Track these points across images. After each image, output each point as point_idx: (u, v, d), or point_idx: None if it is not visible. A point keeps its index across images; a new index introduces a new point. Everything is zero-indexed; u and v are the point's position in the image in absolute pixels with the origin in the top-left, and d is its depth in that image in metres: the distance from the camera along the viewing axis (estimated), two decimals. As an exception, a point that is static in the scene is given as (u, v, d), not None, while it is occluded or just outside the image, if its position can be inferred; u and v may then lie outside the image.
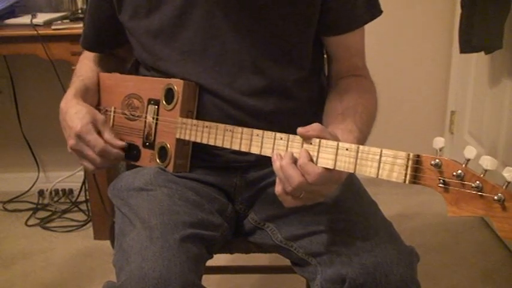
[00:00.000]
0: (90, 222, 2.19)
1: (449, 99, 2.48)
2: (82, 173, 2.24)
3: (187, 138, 1.02)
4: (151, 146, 1.09)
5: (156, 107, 1.07)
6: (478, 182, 0.68)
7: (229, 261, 1.62)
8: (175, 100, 1.03)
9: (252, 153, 0.92)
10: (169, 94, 1.05)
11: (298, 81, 1.06)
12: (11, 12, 2.05)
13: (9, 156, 2.49)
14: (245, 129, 0.92)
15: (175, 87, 1.03)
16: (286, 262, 1.05)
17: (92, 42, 1.20)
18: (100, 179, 1.97)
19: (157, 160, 1.07)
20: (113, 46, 1.22)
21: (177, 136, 1.03)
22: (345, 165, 0.79)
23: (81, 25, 1.86)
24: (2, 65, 2.31)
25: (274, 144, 0.88)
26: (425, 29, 2.39)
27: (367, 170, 0.77)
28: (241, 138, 0.92)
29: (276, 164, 0.84)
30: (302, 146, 0.84)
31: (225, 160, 1.06)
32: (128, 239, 0.92)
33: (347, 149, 0.79)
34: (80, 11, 2.02)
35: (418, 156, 0.72)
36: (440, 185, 0.71)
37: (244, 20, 1.01)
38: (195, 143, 1.04)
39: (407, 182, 0.73)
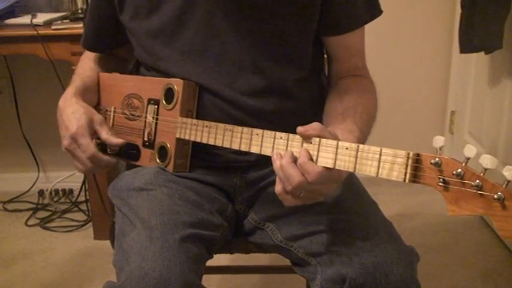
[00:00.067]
0: (90, 222, 2.19)
1: (449, 99, 2.48)
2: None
3: (187, 137, 1.02)
4: (151, 146, 1.09)
5: (156, 106, 1.07)
6: (478, 180, 0.68)
7: (229, 261, 1.62)
8: (175, 100, 1.03)
9: (252, 153, 0.92)
10: (169, 94, 1.05)
11: (298, 81, 1.06)
12: (11, 12, 2.05)
13: (9, 156, 2.49)
14: (245, 129, 0.92)
15: (175, 87, 1.03)
16: (286, 262, 1.05)
17: (92, 42, 1.20)
18: (100, 179, 1.97)
19: (157, 160, 1.07)
20: (113, 46, 1.22)
21: (177, 136, 1.03)
22: (344, 164, 0.79)
23: (81, 25, 1.87)
24: (2, 65, 2.31)
25: (274, 143, 0.88)
26: (425, 29, 2.39)
27: (367, 169, 0.77)
28: (241, 138, 0.92)
29: (276, 163, 0.84)
30: (302, 145, 0.84)
31: (225, 160, 1.06)
32: (128, 239, 0.92)
33: (347, 148, 0.79)
34: (80, 11, 2.02)
35: (418, 155, 0.72)
36: (440, 183, 0.71)
37: (244, 20, 1.01)
38: (195, 143, 1.04)
39: (407, 180, 0.73)
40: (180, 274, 0.85)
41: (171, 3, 1.02)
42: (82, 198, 2.35)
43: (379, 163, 0.75)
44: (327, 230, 0.95)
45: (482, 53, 1.95)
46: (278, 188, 0.85)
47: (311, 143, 0.83)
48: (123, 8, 1.08)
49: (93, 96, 1.16)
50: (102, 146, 1.08)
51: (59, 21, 1.96)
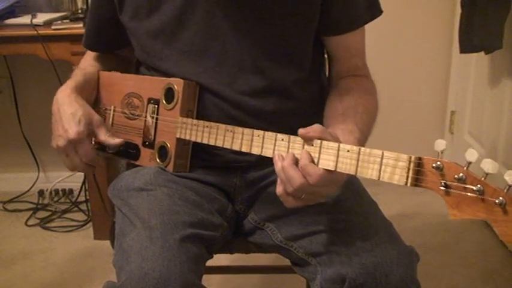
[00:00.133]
0: (90, 222, 2.19)
1: (449, 99, 2.48)
2: (82, 173, 2.24)
3: (187, 138, 1.02)
4: (151, 146, 1.09)
5: (156, 106, 1.07)
6: (479, 185, 0.67)
7: (229, 261, 1.62)
8: (175, 99, 1.03)
9: (252, 153, 0.92)
10: (169, 93, 1.05)
11: (298, 81, 1.05)
12: (11, 12, 2.04)
13: (9, 156, 2.49)
14: (246, 130, 0.92)
15: (176, 87, 1.03)
16: (286, 262, 1.05)
17: (92, 42, 1.21)
18: (100, 179, 1.95)
19: (157, 160, 1.07)
20: (113, 46, 1.22)
21: (178, 136, 1.03)
22: (346, 167, 0.79)
23: (81, 25, 1.87)
24: (2, 65, 2.31)
25: (275, 145, 0.88)
26: (425, 29, 2.39)
27: (368, 172, 0.77)
28: (242, 139, 0.92)
29: (278, 165, 0.84)
30: (303, 147, 0.84)
31: (225, 160, 1.06)
32: (128, 239, 0.92)
33: (348, 151, 0.79)
34: (80, 11, 2.02)
35: (420, 158, 0.72)
36: (442, 188, 0.71)
37: (244, 20, 1.01)
38: (195, 143, 1.04)
39: (408, 184, 0.73)
40: (180, 274, 0.85)
41: (171, 3, 1.02)
42: (82, 198, 2.34)
43: (380, 166, 0.75)
44: (327, 230, 0.95)
45: (482, 53, 1.95)
46: (279, 189, 0.85)
47: (312, 145, 0.83)
48: (123, 8, 1.08)
49: (92, 92, 1.16)
50: (101, 145, 1.08)
51: (59, 21, 1.96)
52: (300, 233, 0.98)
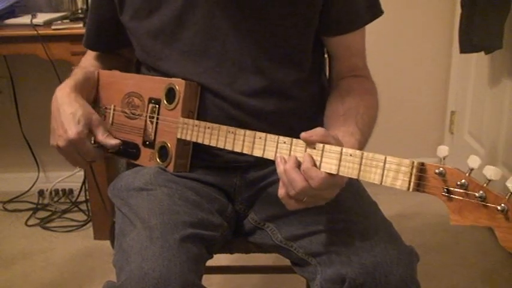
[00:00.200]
0: (90, 222, 2.19)
1: (449, 99, 2.48)
2: (82, 173, 2.24)
3: (188, 138, 1.02)
4: (151, 145, 1.09)
5: (157, 106, 1.07)
6: (481, 191, 0.68)
7: (229, 261, 1.62)
8: (176, 100, 1.03)
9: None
10: (170, 94, 1.04)
11: (298, 81, 1.05)
12: (11, 12, 2.04)
13: (9, 156, 2.49)
14: (247, 132, 0.92)
15: (177, 87, 1.03)
16: (286, 262, 1.05)
17: (93, 42, 1.21)
18: (100, 179, 1.97)
19: (158, 159, 1.07)
20: (113, 46, 1.22)
21: (179, 136, 1.03)
22: (348, 170, 0.79)
23: (81, 25, 1.87)
24: (2, 65, 2.31)
25: (277, 147, 0.88)
26: (425, 29, 2.39)
27: (370, 176, 0.77)
28: (243, 141, 0.92)
29: (280, 168, 0.84)
30: (305, 151, 0.84)
31: (225, 160, 1.06)
32: (128, 239, 0.92)
33: (351, 155, 0.79)
34: (80, 11, 2.02)
35: (423, 164, 0.72)
36: (444, 193, 0.71)
37: (244, 20, 1.01)
38: (195, 143, 1.04)
39: (411, 189, 0.73)
40: (180, 274, 0.85)
41: (171, 4, 1.02)
42: (82, 198, 2.35)
43: (383, 171, 0.75)
44: (327, 230, 0.95)
45: (482, 53, 1.95)
46: (281, 192, 0.85)
47: (315, 148, 0.83)
48: (123, 8, 1.08)
49: (92, 90, 1.16)
50: (100, 145, 1.09)
51: (59, 21, 1.96)
52: (300, 233, 0.98)
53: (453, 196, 0.70)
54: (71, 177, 2.32)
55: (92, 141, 1.08)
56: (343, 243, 0.91)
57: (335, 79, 1.10)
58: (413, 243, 0.95)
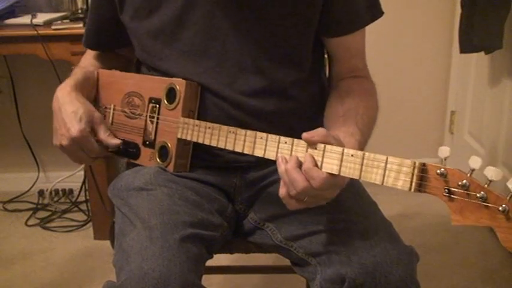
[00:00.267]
0: (90, 222, 2.19)
1: (449, 99, 2.48)
2: (82, 173, 2.24)
3: (188, 138, 1.02)
4: (151, 145, 1.09)
5: (157, 106, 1.07)
6: (482, 192, 0.68)
7: (229, 261, 1.62)
8: (177, 100, 1.03)
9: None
10: (171, 93, 1.04)
11: (298, 81, 1.05)
12: (11, 12, 2.04)
13: (9, 156, 2.49)
14: (248, 132, 0.92)
15: (178, 87, 1.03)
16: (286, 262, 1.05)
17: (92, 41, 1.21)
18: (100, 178, 1.97)
19: (158, 159, 1.07)
20: (113, 46, 1.22)
21: (179, 136, 1.03)
22: (349, 171, 0.79)
23: (81, 25, 1.87)
24: (2, 65, 2.31)
25: (278, 147, 0.88)
26: (425, 29, 2.39)
27: (372, 176, 0.77)
28: (244, 141, 0.92)
29: (281, 167, 0.84)
30: (307, 151, 0.84)
31: (225, 160, 1.06)
32: (128, 239, 0.92)
33: (352, 155, 0.79)
34: (80, 11, 2.02)
35: (424, 164, 0.73)
36: (445, 194, 0.71)
37: (244, 20, 1.01)
38: (195, 143, 1.04)
39: (412, 190, 0.73)
40: (180, 274, 0.85)
41: (171, 3, 1.02)
42: (82, 198, 2.35)
43: (384, 171, 0.75)
44: (327, 230, 0.95)
45: (482, 53, 1.96)
46: (282, 191, 0.85)
47: (316, 148, 0.83)
48: (123, 8, 1.08)
49: (92, 89, 1.16)
50: (101, 143, 1.09)
51: (59, 21, 1.96)
52: (300, 233, 0.98)
53: (454, 196, 0.70)
54: (71, 177, 2.32)
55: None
56: (343, 243, 0.91)
57: (335, 80, 1.10)
58: (413, 243, 0.95)
